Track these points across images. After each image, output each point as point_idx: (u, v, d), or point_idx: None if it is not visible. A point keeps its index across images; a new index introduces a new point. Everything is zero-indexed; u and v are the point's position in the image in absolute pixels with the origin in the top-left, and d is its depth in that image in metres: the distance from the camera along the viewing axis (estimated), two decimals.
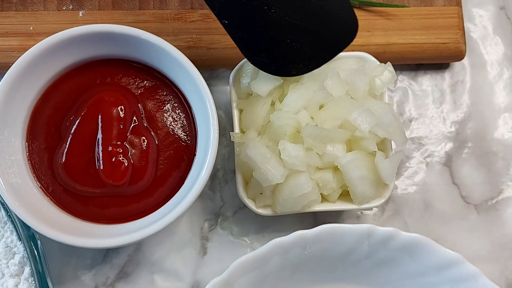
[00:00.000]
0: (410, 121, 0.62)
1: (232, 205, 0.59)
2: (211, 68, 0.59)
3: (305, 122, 0.49)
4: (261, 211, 0.52)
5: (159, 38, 0.47)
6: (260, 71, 0.52)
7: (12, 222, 0.48)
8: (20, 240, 0.48)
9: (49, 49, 0.46)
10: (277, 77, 0.51)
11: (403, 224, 0.60)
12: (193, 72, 0.47)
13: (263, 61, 0.47)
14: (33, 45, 0.54)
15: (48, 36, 0.53)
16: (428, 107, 0.63)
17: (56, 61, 0.47)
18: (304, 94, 0.50)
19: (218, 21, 0.57)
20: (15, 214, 0.46)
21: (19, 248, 0.48)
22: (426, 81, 0.63)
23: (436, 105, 0.63)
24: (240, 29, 0.46)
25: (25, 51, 0.54)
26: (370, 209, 0.57)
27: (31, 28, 0.55)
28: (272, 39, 0.46)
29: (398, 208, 0.61)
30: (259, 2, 0.45)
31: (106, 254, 0.57)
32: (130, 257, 0.57)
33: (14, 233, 0.49)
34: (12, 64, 0.54)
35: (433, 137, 0.62)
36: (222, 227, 0.58)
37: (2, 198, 0.48)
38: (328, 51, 0.49)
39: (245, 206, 0.59)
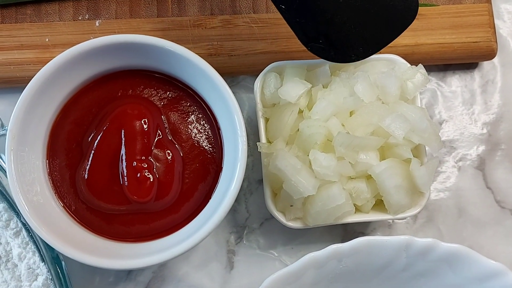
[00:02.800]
0: (440, 124, 0.60)
1: (258, 217, 0.57)
2: (232, 75, 0.57)
3: (337, 130, 0.47)
4: (291, 224, 0.50)
5: (182, 47, 0.45)
6: (287, 76, 0.50)
7: (35, 243, 0.47)
8: (43, 261, 0.47)
9: (68, 63, 0.44)
10: (306, 82, 0.49)
11: (437, 231, 0.58)
12: (218, 82, 0.45)
13: (321, 47, 0.45)
14: (50, 57, 0.52)
15: (64, 47, 0.51)
16: (458, 109, 0.60)
17: (75, 74, 0.46)
18: (334, 100, 0.47)
19: (239, 26, 0.55)
20: (38, 235, 0.44)
21: (42, 270, 0.47)
22: (455, 82, 0.61)
23: (467, 106, 0.61)
24: (297, 13, 0.43)
25: (42, 64, 0.52)
26: (405, 218, 0.55)
27: (47, 39, 0.53)
28: (331, 22, 0.44)
29: (431, 215, 0.58)
30: None
31: (130, 271, 0.55)
32: (155, 273, 0.55)
33: (37, 254, 0.47)
34: (28, 77, 0.53)
35: (464, 140, 0.60)
36: (248, 240, 0.56)
37: (24, 219, 0.46)
38: (388, 33, 0.47)
39: (271, 217, 0.57)
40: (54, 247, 0.42)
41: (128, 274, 0.55)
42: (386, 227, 0.58)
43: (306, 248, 0.56)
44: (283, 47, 0.55)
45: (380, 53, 0.55)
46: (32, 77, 0.53)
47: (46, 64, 0.52)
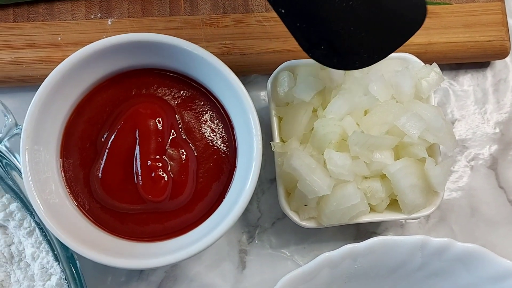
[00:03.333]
0: (453, 123, 0.60)
1: (270, 216, 0.57)
2: (244, 74, 0.57)
3: (351, 129, 0.46)
4: (305, 223, 0.49)
5: (196, 46, 0.45)
6: (300, 75, 0.50)
7: (48, 243, 0.46)
8: (56, 261, 0.46)
9: (82, 61, 0.44)
10: (320, 81, 0.49)
11: (449, 231, 0.58)
12: (233, 81, 0.45)
13: (323, 54, 0.42)
14: (62, 56, 0.53)
15: (77, 46, 0.52)
16: (471, 108, 0.60)
17: (89, 73, 0.45)
18: (349, 99, 0.47)
19: (252, 25, 0.55)
20: (53, 235, 0.44)
21: (56, 269, 0.46)
22: (468, 81, 0.61)
23: (479, 105, 0.60)
24: (298, 18, 0.40)
25: (54, 63, 0.52)
26: (419, 218, 0.55)
27: (59, 38, 0.53)
28: (334, 27, 0.41)
29: (444, 215, 0.58)
30: None
31: (142, 271, 0.54)
32: (167, 273, 0.55)
33: (50, 254, 0.47)
34: (40, 76, 0.53)
35: (477, 139, 0.60)
36: (260, 239, 0.56)
37: (37, 219, 0.46)
38: (393, 40, 0.44)
39: (283, 217, 0.57)
40: (69, 247, 0.42)
41: (140, 273, 0.55)
42: (398, 227, 0.57)
43: (318, 247, 0.56)
44: (295, 46, 0.54)
45: (395, 51, 0.55)
46: (45, 76, 0.52)
47: (58, 62, 0.52)
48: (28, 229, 0.47)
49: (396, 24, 0.43)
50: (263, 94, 0.58)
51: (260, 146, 0.44)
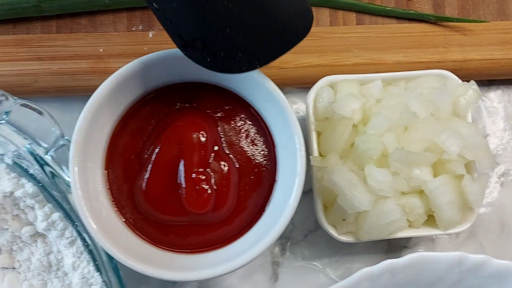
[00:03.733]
0: (484, 138, 0.60)
1: (302, 228, 0.57)
2: (280, 87, 0.57)
3: (392, 146, 0.47)
4: (343, 238, 0.50)
5: None
6: (340, 91, 0.51)
7: (90, 253, 0.47)
8: (97, 271, 0.47)
9: (132, 74, 0.45)
10: (360, 96, 0.49)
11: (479, 246, 0.58)
12: (278, 96, 0.45)
13: (198, 53, 0.41)
14: (104, 67, 0.54)
15: (118, 58, 0.53)
16: (501, 124, 0.61)
17: (136, 86, 0.46)
18: (390, 116, 0.48)
19: None
20: (100, 246, 0.45)
21: (97, 279, 0.47)
22: (498, 97, 0.61)
23: (510, 121, 0.61)
24: (170, 14, 0.39)
25: (95, 74, 0.53)
26: (454, 234, 0.55)
27: (101, 50, 0.54)
28: (208, 26, 0.40)
29: (474, 230, 0.58)
30: None
31: (175, 281, 0.55)
32: (201, 284, 0.55)
33: (91, 264, 0.47)
34: (81, 87, 0.54)
35: (507, 155, 0.60)
36: (292, 252, 0.57)
37: (80, 229, 0.47)
38: (278, 47, 0.42)
39: (315, 229, 0.57)
40: (115, 257, 0.43)
41: (174, 284, 0.55)
42: (429, 241, 0.58)
43: (350, 260, 0.57)
44: (331, 60, 0.55)
45: (427, 67, 0.56)
46: (86, 86, 0.54)
47: (100, 74, 0.53)
48: (70, 239, 0.48)
49: (280, 32, 0.42)
50: (295, 107, 0.59)
51: (304, 161, 0.44)
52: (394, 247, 0.57)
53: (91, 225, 0.42)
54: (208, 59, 0.41)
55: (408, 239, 0.58)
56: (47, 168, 0.46)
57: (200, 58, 0.42)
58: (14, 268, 0.52)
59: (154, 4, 0.40)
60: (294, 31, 0.42)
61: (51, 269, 0.51)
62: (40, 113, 0.46)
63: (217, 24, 0.40)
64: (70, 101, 0.55)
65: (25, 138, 0.46)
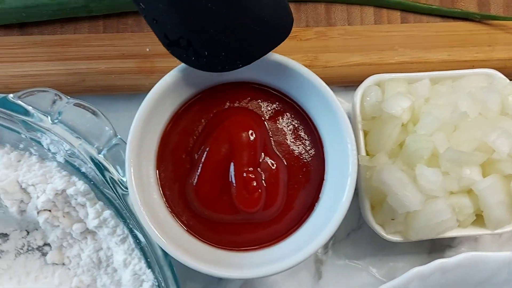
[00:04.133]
0: None
1: (345, 227, 0.57)
2: None
3: (443, 146, 0.47)
4: (391, 237, 0.50)
5: (294, 61, 0.46)
6: (388, 90, 0.50)
7: (141, 250, 0.48)
8: (149, 267, 0.48)
9: (185, 75, 0.45)
10: (409, 95, 0.49)
11: None
12: (329, 96, 0.45)
13: (183, 52, 0.42)
14: (150, 67, 0.54)
15: (165, 58, 0.53)
16: None
17: (189, 86, 0.46)
18: (439, 115, 0.48)
19: (334, 38, 0.56)
20: (156, 244, 0.45)
21: (149, 276, 0.48)
22: None
23: None
24: (157, 12, 0.41)
25: (142, 73, 0.54)
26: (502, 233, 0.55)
27: (148, 49, 0.54)
28: (191, 27, 0.41)
29: None
30: None
31: (221, 278, 0.55)
32: (245, 281, 0.56)
33: (143, 261, 0.48)
34: (128, 86, 0.54)
35: None
36: (335, 250, 0.57)
37: (131, 226, 0.47)
38: (259, 46, 0.44)
39: (358, 228, 0.57)
40: (171, 255, 0.43)
41: (219, 280, 0.56)
42: (472, 241, 0.58)
43: (393, 259, 0.57)
44: (376, 59, 0.55)
45: (471, 66, 0.56)
46: (132, 85, 0.55)
47: (147, 73, 0.54)
48: (121, 236, 0.48)
49: (261, 32, 0.43)
50: (352, 108, 0.59)
51: (356, 161, 0.44)
52: (437, 246, 0.57)
53: (148, 222, 0.43)
54: (193, 58, 0.43)
55: (452, 238, 0.57)
56: (100, 167, 0.46)
57: (185, 56, 0.43)
58: (63, 264, 0.53)
59: (141, 4, 0.41)
60: (275, 32, 0.44)
61: (100, 266, 0.51)
62: (94, 113, 0.46)
63: (201, 25, 0.41)
64: (114, 99, 0.56)
65: (78, 137, 0.47)
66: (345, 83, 0.56)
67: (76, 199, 0.49)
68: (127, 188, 0.46)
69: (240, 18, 0.42)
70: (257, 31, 0.43)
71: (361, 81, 0.54)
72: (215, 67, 0.44)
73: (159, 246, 0.45)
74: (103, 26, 0.55)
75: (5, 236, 0.53)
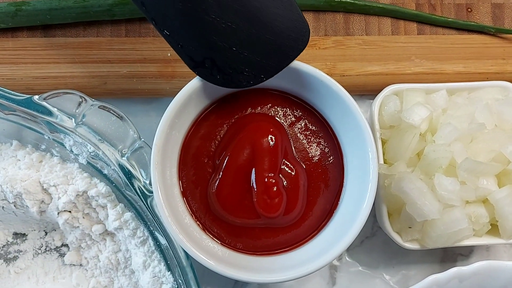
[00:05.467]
0: None
1: (359, 234, 0.57)
2: None
3: (461, 156, 0.48)
4: (408, 245, 0.51)
5: (316, 69, 0.46)
6: (407, 99, 0.51)
7: (161, 252, 0.48)
8: (169, 270, 0.48)
9: (206, 82, 0.46)
10: (427, 105, 0.50)
11: None
12: (351, 104, 0.46)
13: (208, 72, 0.44)
14: (171, 71, 0.55)
15: (184, 63, 0.53)
16: None
17: (212, 91, 0.47)
18: (458, 126, 0.48)
19: (352, 47, 0.57)
20: (178, 246, 0.46)
21: (168, 278, 0.48)
22: None
23: None
24: (181, 38, 0.43)
25: (163, 78, 0.55)
26: None
27: (169, 54, 0.55)
28: (215, 47, 0.43)
29: None
30: (196, 8, 0.41)
31: (236, 281, 0.56)
32: (261, 285, 0.56)
33: (163, 263, 0.48)
34: (148, 90, 0.55)
35: None
36: (350, 257, 0.57)
37: (152, 228, 0.48)
38: (280, 58, 0.45)
39: (372, 235, 0.58)
40: (194, 257, 0.44)
41: (235, 283, 0.56)
42: (484, 250, 0.58)
43: (406, 267, 0.57)
44: (393, 69, 0.56)
45: (485, 79, 0.57)
46: (153, 89, 0.55)
47: (167, 78, 0.55)
48: (142, 238, 0.49)
49: (280, 44, 0.45)
50: (370, 116, 0.59)
51: (377, 170, 0.45)
52: (449, 254, 0.58)
53: (172, 225, 0.43)
54: (218, 76, 0.45)
55: (464, 247, 0.58)
56: (124, 169, 0.47)
57: (210, 76, 0.45)
58: (81, 265, 0.53)
59: (165, 31, 0.43)
60: (294, 42, 0.45)
61: (118, 267, 0.52)
62: (120, 116, 0.47)
63: (224, 43, 0.43)
64: (133, 102, 0.56)
65: (101, 139, 0.48)
66: (362, 91, 0.57)
67: (97, 201, 0.49)
68: (150, 191, 0.47)
69: (260, 33, 0.44)
70: (277, 44, 0.44)
71: (377, 90, 0.55)
72: (241, 83, 0.45)
73: (181, 248, 0.46)
74: (125, 30, 0.55)
75: (23, 236, 0.54)
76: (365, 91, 0.57)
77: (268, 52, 0.44)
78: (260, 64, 0.45)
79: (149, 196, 0.47)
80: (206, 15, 0.41)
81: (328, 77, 0.47)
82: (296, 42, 0.45)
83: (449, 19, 0.58)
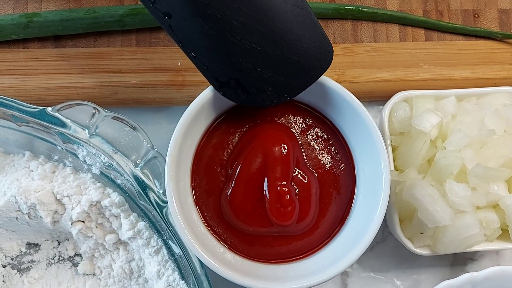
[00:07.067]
0: None
1: None
2: None
3: (471, 162, 0.48)
4: (419, 251, 0.51)
5: (327, 78, 0.47)
6: (416, 106, 0.52)
7: (175, 261, 0.48)
8: (182, 279, 0.48)
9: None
10: (437, 112, 0.50)
11: None
12: (361, 111, 0.46)
13: (233, 92, 0.45)
14: (182, 80, 0.55)
15: (195, 72, 0.53)
16: None
17: (222, 102, 0.47)
18: (468, 132, 0.49)
19: (360, 54, 0.57)
20: (193, 255, 0.46)
21: (182, 287, 0.48)
22: None
23: None
24: (206, 60, 0.44)
25: (174, 87, 0.55)
26: None
27: (179, 63, 0.55)
28: (240, 67, 0.44)
29: None
30: (223, 31, 0.43)
31: None
32: None
33: (177, 272, 0.49)
34: (159, 99, 0.55)
35: None
36: (361, 262, 0.58)
37: (166, 237, 0.48)
38: (303, 78, 0.46)
39: (382, 241, 0.58)
40: (209, 266, 0.44)
41: None
42: (493, 254, 0.59)
43: (417, 272, 0.58)
44: (402, 75, 0.57)
45: (493, 84, 0.57)
46: (164, 99, 0.56)
47: (178, 87, 0.55)
48: (156, 247, 0.49)
49: (304, 65, 0.45)
50: (380, 123, 0.60)
51: (389, 177, 0.45)
52: (459, 259, 0.58)
53: (187, 235, 0.44)
54: (242, 96, 0.46)
55: (473, 252, 0.58)
56: (138, 180, 0.47)
57: (235, 95, 0.46)
58: (94, 274, 0.53)
59: (192, 53, 0.44)
60: (318, 62, 0.46)
61: (132, 276, 0.52)
62: (133, 127, 0.47)
63: (249, 65, 0.44)
64: (142, 111, 0.56)
65: (114, 150, 0.48)
66: (371, 98, 0.58)
67: (110, 211, 0.50)
68: (164, 202, 0.47)
69: (284, 54, 0.45)
70: (301, 64, 0.45)
71: (386, 97, 0.56)
72: (264, 102, 0.46)
73: (196, 257, 0.46)
74: (135, 39, 0.55)
75: (36, 246, 0.54)
76: (374, 98, 0.58)
77: (292, 72, 0.45)
78: (284, 84, 0.46)
79: (164, 206, 0.47)
80: (232, 37, 0.43)
81: (338, 85, 0.47)
82: (320, 62, 0.46)
83: (457, 25, 0.58)
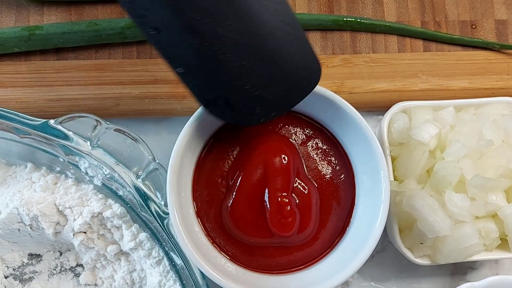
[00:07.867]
0: None
1: None
2: None
3: (470, 172, 0.49)
4: (419, 261, 0.51)
5: (328, 90, 0.47)
6: (415, 117, 0.52)
7: (177, 272, 0.49)
8: None
9: None
10: (436, 123, 0.51)
11: None
12: (360, 122, 0.47)
13: (220, 109, 0.44)
14: (182, 91, 0.55)
15: None
16: None
17: None
18: (466, 143, 0.49)
19: (359, 65, 0.58)
20: (194, 266, 0.46)
21: None
22: None
23: None
24: (194, 77, 0.43)
25: (175, 98, 0.55)
26: None
27: None
28: (228, 85, 0.43)
29: None
30: (213, 48, 0.41)
31: None
32: None
33: (178, 283, 0.49)
34: (160, 110, 0.56)
35: None
36: (361, 272, 0.58)
37: (167, 248, 0.48)
38: (292, 96, 0.46)
39: (382, 250, 0.59)
40: (210, 277, 0.44)
41: None
42: (493, 262, 0.59)
43: (418, 281, 0.58)
44: (400, 86, 0.57)
45: (491, 94, 0.58)
46: (165, 110, 0.56)
47: (179, 98, 0.55)
48: (157, 258, 0.49)
49: (293, 83, 0.45)
50: (379, 134, 0.60)
51: (389, 188, 0.46)
52: (459, 268, 0.59)
53: (189, 247, 0.44)
54: (230, 114, 0.45)
55: (473, 261, 0.59)
56: (139, 191, 0.48)
57: (222, 113, 0.45)
58: (96, 285, 0.54)
59: (179, 69, 0.42)
60: (305, 82, 0.46)
61: (133, 287, 0.52)
62: (135, 139, 0.48)
63: (236, 83, 0.43)
64: (143, 122, 0.57)
65: (116, 162, 0.48)
66: (369, 108, 0.58)
67: (112, 222, 0.50)
68: (165, 213, 0.48)
69: (274, 73, 0.44)
70: (290, 82, 0.45)
71: (385, 107, 0.56)
72: (252, 121, 0.45)
73: (197, 268, 0.46)
74: (136, 51, 0.56)
75: (38, 257, 0.54)
76: (373, 108, 0.58)
77: (280, 90, 0.45)
78: (272, 102, 0.45)
79: (165, 217, 0.47)
80: (222, 55, 0.41)
81: (337, 96, 0.48)
82: (308, 81, 0.46)
83: (454, 36, 0.59)
